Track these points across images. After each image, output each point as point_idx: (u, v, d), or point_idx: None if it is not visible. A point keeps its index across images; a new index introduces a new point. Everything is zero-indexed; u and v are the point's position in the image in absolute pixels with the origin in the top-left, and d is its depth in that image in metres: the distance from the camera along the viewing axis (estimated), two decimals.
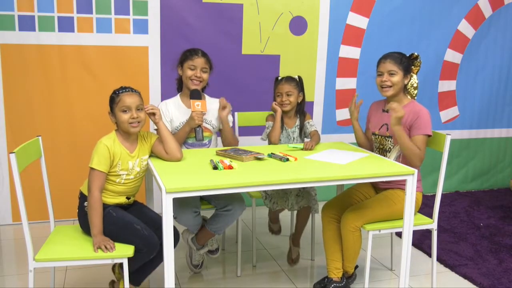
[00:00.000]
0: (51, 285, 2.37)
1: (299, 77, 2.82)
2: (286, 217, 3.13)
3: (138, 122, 2.22)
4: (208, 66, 2.70)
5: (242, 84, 3.78)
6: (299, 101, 2.82)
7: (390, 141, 2.58)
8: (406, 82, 2.57)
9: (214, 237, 2.71)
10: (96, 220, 2.12)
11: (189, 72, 2.65)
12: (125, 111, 2.19)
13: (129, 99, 2.19)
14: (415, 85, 2.67)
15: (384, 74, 2.55)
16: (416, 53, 2.62)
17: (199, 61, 2.65)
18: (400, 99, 2.59)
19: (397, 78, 2.53)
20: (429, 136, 2.50)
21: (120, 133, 2.26)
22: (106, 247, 2.08)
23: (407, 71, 2.55)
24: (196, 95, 2.63)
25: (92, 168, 2.15)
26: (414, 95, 2.68)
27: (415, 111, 2.51)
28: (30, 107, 3.41)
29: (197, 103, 2.59)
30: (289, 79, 2.78)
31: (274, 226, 3.15)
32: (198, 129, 2.61)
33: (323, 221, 2.64)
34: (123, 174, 2.24)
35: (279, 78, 2.83)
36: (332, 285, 2.56)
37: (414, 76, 2.66)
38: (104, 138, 2.21)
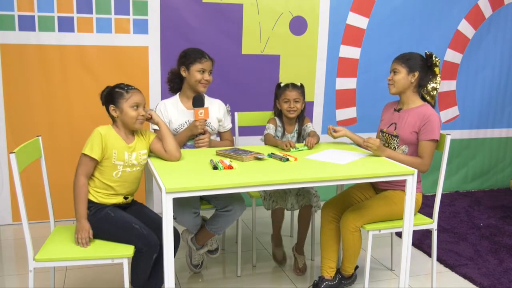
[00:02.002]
0: (51, 285, 2.37)
1: (301, 84, 2.82)
2: (286, 223, 3.13)
3: (145, 119, 2.30)
4: (212, 68, 2.70)
5: (242, 84, 3.78)
6: (301, 108, 2.82)
7: (396, 141, 2.57)
8: (412, 80, 2.53)
9: (213, 237, 2.71)
10: (80, 206, 2.14)
11: (199, 76, 2.63)
12: (135, 108, 2.23)
13: (139, 97, 2.25)
14: (438, 86, 2.59)
15: (391, 72, 2.58)
16: (428, 52, 2.56)
17: (207, 64, 2.64)
18: (408, 98, 2.58)
19: (398, 76, 2.53)
20: (436, 141, 2.49)
21: (118, 126, 2.27)
22: (82, 241, 2.11)
23: (411, 70, 2.52)
24: (198, 102, 2.60)
25: (83, 154, 2.17)
26: (433, 96, 2.59)
27: (425, 114, 2.48)
28: (30, 107, 3.41)
29: (200, 112, 2.57)
30: (295, 86, 2.78)
31: (278, 252, 2.98)
32: (202, 136, 2.61)
33: (322, 220, 2.64)
34: (119, 165, 2.23)
35: (282, 84, 2.82)
36: (324, 284, 2.55)
37: (438, 78, 2.58)
38: (101, 126, 2.23)
